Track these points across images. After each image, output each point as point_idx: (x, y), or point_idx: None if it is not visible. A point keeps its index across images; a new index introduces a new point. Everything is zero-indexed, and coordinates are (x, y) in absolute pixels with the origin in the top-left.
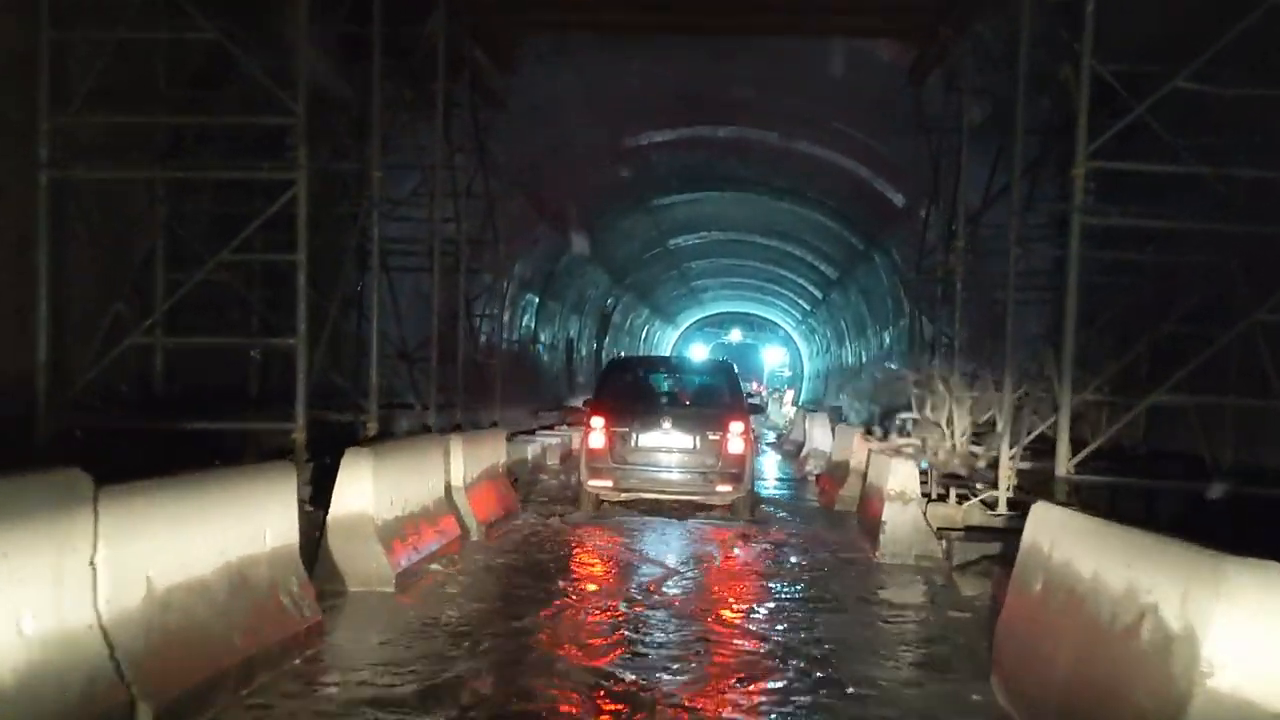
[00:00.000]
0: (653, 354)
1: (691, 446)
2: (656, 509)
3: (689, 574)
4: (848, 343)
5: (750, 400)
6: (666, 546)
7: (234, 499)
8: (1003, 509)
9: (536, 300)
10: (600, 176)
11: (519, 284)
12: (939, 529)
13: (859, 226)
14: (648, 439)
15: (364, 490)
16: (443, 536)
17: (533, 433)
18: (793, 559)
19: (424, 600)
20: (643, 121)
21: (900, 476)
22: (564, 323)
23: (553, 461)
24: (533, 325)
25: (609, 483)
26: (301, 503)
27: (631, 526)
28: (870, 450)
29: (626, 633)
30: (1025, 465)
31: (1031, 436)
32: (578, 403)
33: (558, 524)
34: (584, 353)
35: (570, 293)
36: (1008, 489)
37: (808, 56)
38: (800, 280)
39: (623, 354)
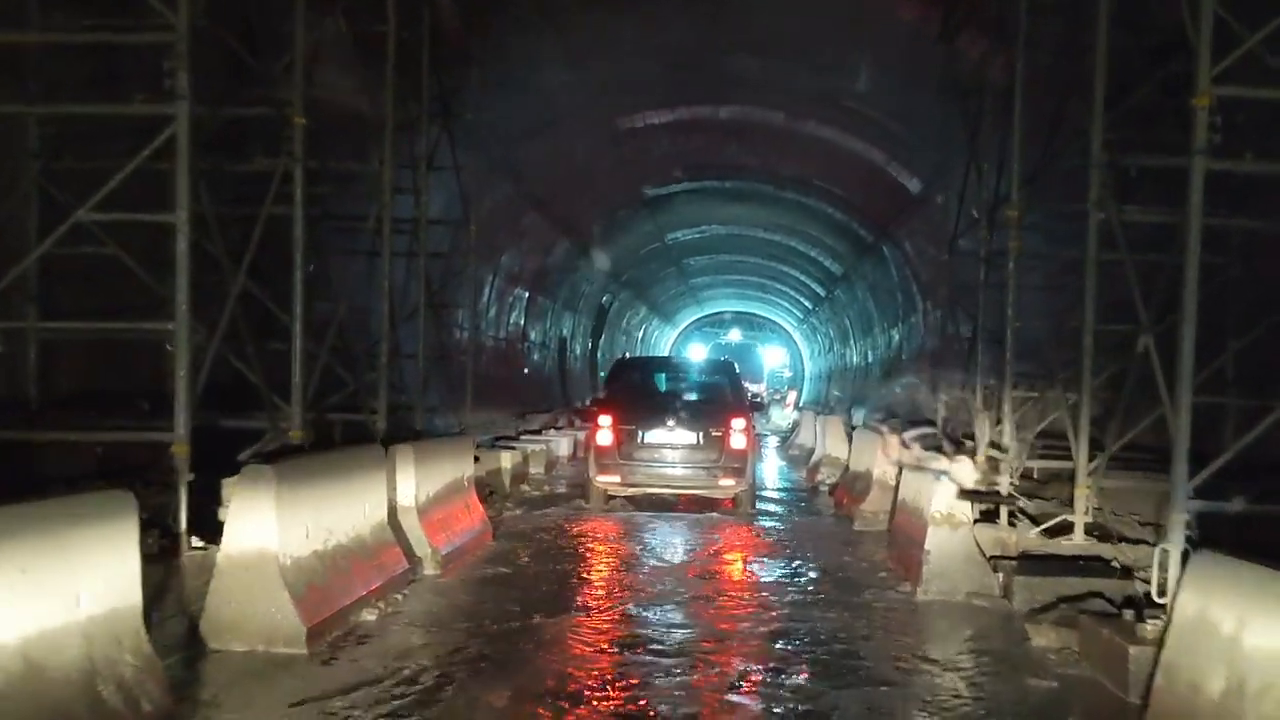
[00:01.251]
0: (657, 354)
1: (695, 442)
2: (660, 510)
3: (683, 634)
4: (853, 341)
5: (753, 398)
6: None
7: (18, 553)
8: (1079, 536)
9: (526, 296)
10: (593, 162)
11: (506, 277)
12: (989, 558)
13: (868, 216)
14: (653, 436)
15: (265, 520)
16: (382, 573)
17: (517, 437)
18: (812, 598)
19: (345, 663)
20: (636, 99)
21: (947, 495)
22: (556, 320)
23: (537, 470)
24: (522, 322)
25: (617, 478)
26: (177, 537)
27: (630, 556)
28: (902, 463)
29: None
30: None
31: (1121, 444)
32: (570, 405)
33: (537, 546)
34: (578, 352)
35: (563, 289)
36: (1086, 511)
37: (817, 20)
38: (802, 277)
39: (627, 354)
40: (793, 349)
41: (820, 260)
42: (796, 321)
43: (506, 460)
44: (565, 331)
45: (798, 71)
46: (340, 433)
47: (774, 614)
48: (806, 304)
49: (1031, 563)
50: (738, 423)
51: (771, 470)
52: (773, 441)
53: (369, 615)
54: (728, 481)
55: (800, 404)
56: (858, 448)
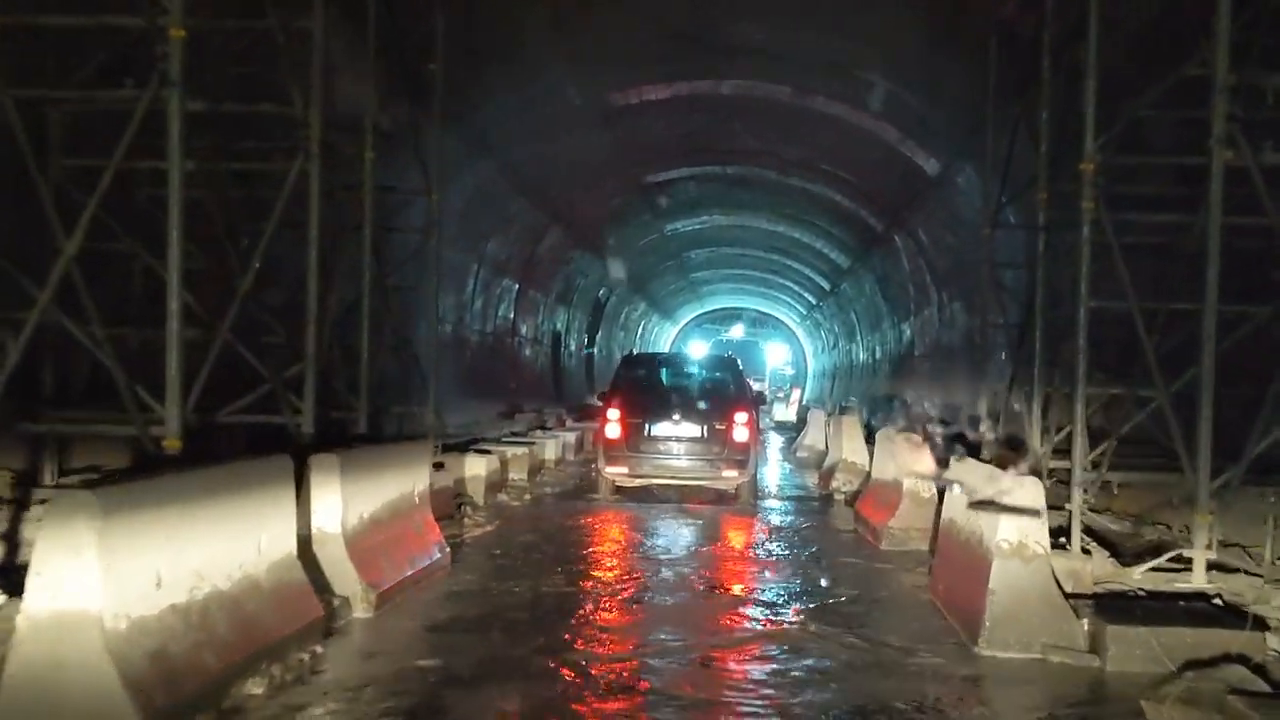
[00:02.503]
0: (663, 351)
1: (700, 435)
2: (663, 515)
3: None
4: (859, 337)
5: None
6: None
7: None
8: (1200, 576)
9: (515, 288)
10: (584, 142)
11: (492, 267)
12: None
13: (879, 204)
14: (659, 429)
15: (84, 567)
16: (284, 624)
17: (499, 439)
18: (831, 657)
19: None
20: (630, 71)
21: (1018, 521)
22: (550, 315)
23: (519, 476)
24: (511, 316)
25: (625, 469)
26: None
27: (621, 587)
28: (941, 475)
29: None
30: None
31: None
32: (564, 404)
33: (507, 574)
34: (573, 348)
35: (556, 281)
36: (1209, 544)
37: None
38: (807, 270)
39: (634, 351)
40: (795, 346)
41: (826, 253)
42: (799, 317)
43: (480, 466)
44: (559, 326)
45: (807, 38)
46: (248, 441)
47: (788, 680)
48: (811, 299)
49: (1123, 606)
50: (740, 416)
51: (779, 474)
52: (776, 440)
53: (255, 688)
54: (730, 473)
55: (805, 401)
56: (882, 453)
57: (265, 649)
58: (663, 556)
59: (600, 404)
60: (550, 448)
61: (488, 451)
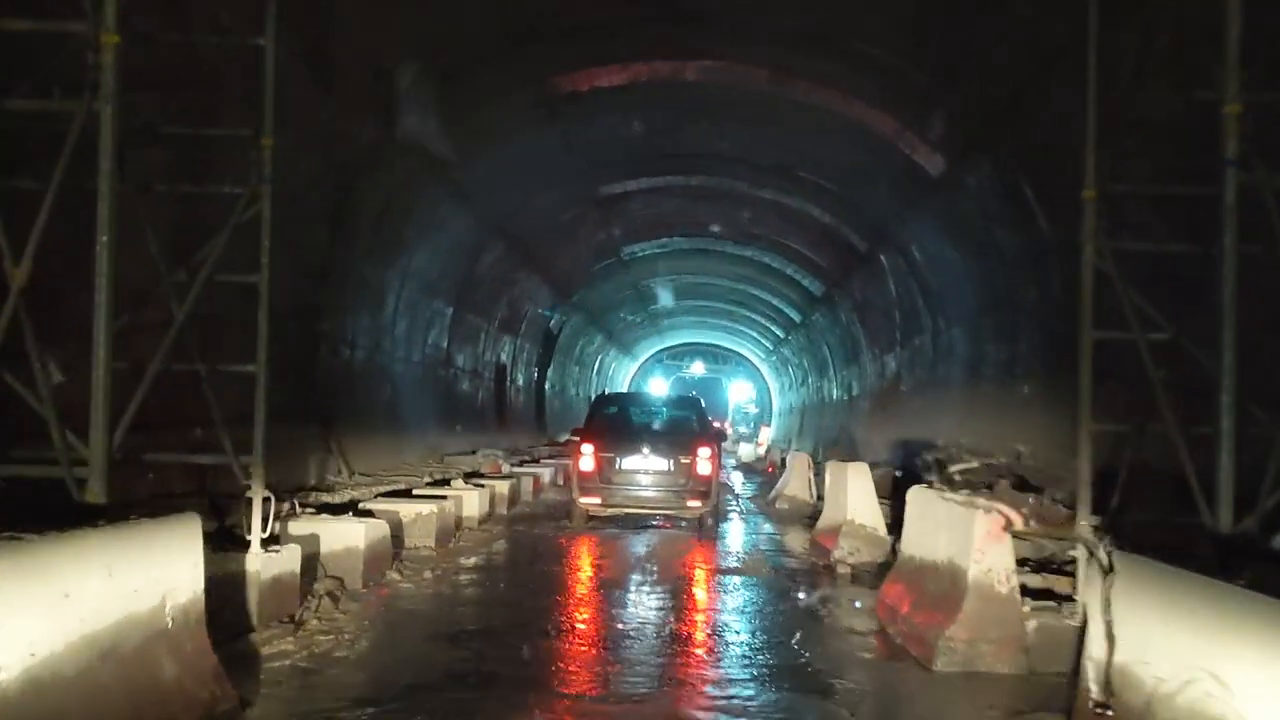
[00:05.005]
0: (634, 390)
1: (666, 468)
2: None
3: None
4: (832, 372)
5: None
6: None
7: None
8: None
9: (449, 311)
10: (523, 135)
11: (420, 286)
12: None
13: (866, 216)
14: (629, 462)
15: None
16: None
17: (408, 492)
18: None
19: None
20: (576, 46)
21: None
22: (493, 344)
23: (422, 542)
24: (444, 344)
25: (598, 499)
26: None
27: None
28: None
29: None
30: None
31: None
32: (509, 444)
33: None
34: (520, 382)
35: (499, 306)
36: None
37: None
38: (775, 301)
39: (606, 390)
40: (760, 384)
41: (798, 280)
42: (765, 353)
43: (355, 536)
44: (504, 358)
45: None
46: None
47: None
48: (777, 333)
49: None
50: (704, 451)
51: (754, 533)
52: (743, 485)
53: None
54: (694, 503)
55: (776, 443)
56: (923, 520)
57: None
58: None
59: (574, 439)
60: (473, 501)
61: (369, 514)
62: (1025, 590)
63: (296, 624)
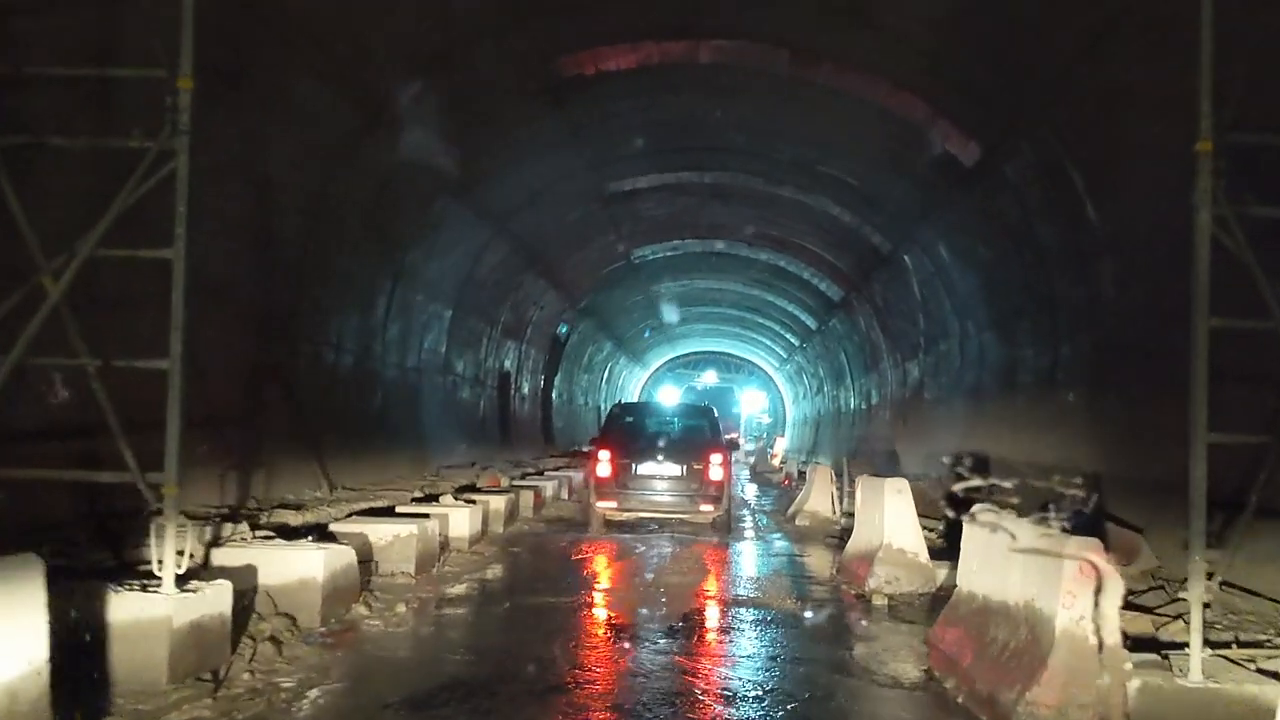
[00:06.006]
0: (649, 400)
1: (680, 474)
2: None
3: None
4: (850, 380)
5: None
6: None
7: None
8: None
9: (448, 314)
10: (526, 124)
11: (415, 285)
12: None
13: (889, 213)
14: (645, 468)
15: None
16: None
17: (389, 511)
18: None
19: None
20: (581, 22)
21: None
22: (496, 350)
23: (400, 568)
24: (443, 349)
25: (614, 504)
26: None
27: None
28: None
29: None
30: None
31: None
32: (514, 456)
33: None
34: (525, 390)
35: (502, 310)
36: None
37: None
38: (790, 307)
39: (622, 400)
40: (773, 393)
41: (816, 284)
42: (779, 362)
43: (313, 565)
44: (508, 365)
45: None
46: None
47: None
48: (792, 340)
49: None
50: (716, 458)
51: (773, 554)
52: (757, 496)
53: None
54: (707, 507)
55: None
56: (984, 547)
57: None
58: None
59: (591, 448)
60: (462, 520)
61: (332, 539)
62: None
63: (218, 682)
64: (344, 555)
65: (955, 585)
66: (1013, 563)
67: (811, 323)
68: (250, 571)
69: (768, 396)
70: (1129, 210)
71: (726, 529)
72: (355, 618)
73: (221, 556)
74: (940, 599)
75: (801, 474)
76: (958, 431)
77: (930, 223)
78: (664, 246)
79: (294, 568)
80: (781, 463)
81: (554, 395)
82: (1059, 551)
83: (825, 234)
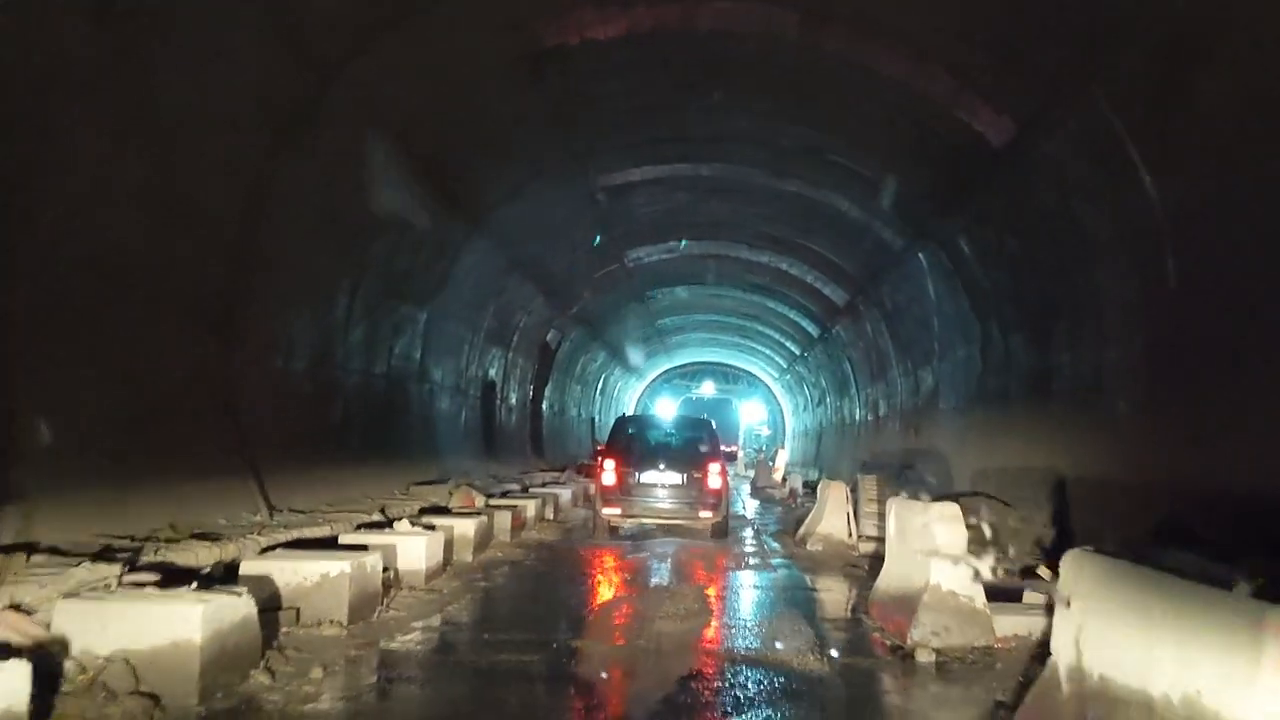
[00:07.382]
0: (650, 414)
1: (680, 482)
2: None
3: None
4: (855, 390)
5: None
6: None
7: None
8: None
9: (422, 317)
10: (501, 100)
11: (382, 282)
12: None
13: (904, 205)
14: (647, 476)
15: None
16: None
17: (331, 542)
18: None
19: None
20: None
21: None
22: (479, 357)
23: (330, 615)
24: (418, 355)
25: (618, 510)
26: None
27: None
28: None
29: None
30: None
31: None
32: (489, 472)
33: None
34: (512, 401)
35: (484, 315)
36: None
37: None
38: (792, 313)
39: (626, 413)
40: (773, 404)
41: (819, 288)
42: (779, 372)
43: (190, 624)
44: (493, 373)
45: None
46: None
47: None
48: (793, 350)
49: None
50: (714, 467)
51: (781, 590)
52: (755, 512)
53: None
54: (706, 513)
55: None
56: (1103, 603)
57: None
58: None
59: (594, 459)
60: (416, 550)
61: (234, 588)
62: None
63: None
64: (237, 607)
65: (1037, 650)
66: (1161, 635)
67: (814, 329)
68: (102, 633)
69: (767, 408)
70: (1201, 185)
71: (724, 534)
72: (251, 690)
73: (65, 614)
74: (1003, 655)
75: (808, 489)
76: (979, 444)
77: (950, 213)
78: (659, 248)
79: (164, 627)
80: (783, 478)
81: (544, 406)
82: (1256, 615)
83: (831, 232)
